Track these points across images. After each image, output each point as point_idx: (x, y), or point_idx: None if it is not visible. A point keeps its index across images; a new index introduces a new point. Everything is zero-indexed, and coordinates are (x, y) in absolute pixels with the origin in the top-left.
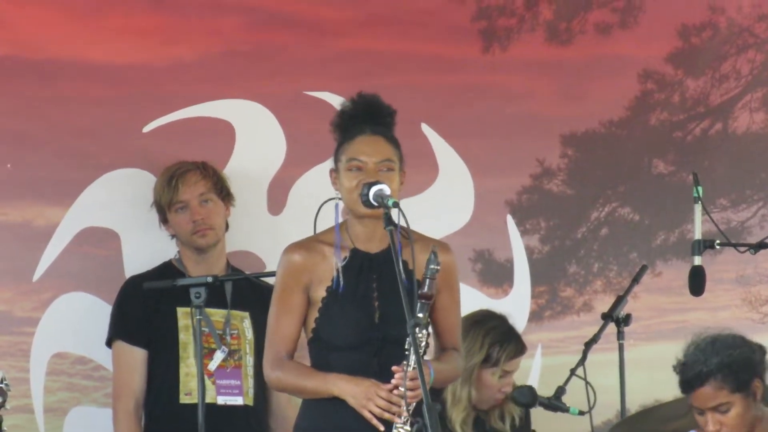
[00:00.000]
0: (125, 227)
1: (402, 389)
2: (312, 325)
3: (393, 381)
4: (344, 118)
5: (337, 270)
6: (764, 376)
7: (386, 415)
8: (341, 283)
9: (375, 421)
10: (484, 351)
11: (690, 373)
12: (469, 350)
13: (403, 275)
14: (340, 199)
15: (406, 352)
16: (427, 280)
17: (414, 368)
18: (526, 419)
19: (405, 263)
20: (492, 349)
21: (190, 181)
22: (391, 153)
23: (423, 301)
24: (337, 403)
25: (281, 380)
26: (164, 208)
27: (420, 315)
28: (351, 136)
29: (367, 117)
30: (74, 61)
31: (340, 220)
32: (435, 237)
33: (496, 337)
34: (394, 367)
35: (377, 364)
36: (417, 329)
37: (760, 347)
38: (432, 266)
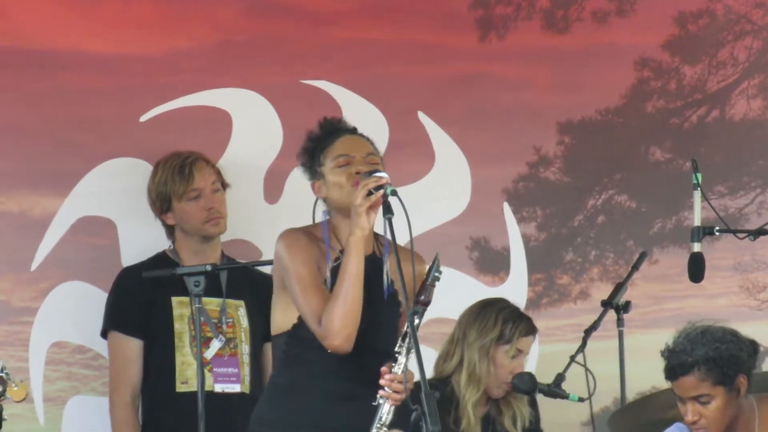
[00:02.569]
0: (122, 216)
1: (387, 390)
2: (294, 320)
3: (381, 382)
4: (314, 140)
5: (329, 272)
6: (751, 373)
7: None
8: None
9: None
10: (498, 328)
11: (675, 361)
12: (482, 329)
13: (386, 283)
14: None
15: (396, 354)
16: (427, 287)
17: (402, 372)
18: (536, 422)
19: (387, 273)
20: (505, 326)
21: (203, 170)
22: (374, 150)
23: (422, 307)
24: (306, 396)
25: (331, 315)
26: (171, 198)
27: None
28: (330, 140)
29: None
30: (71, 51)
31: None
32: (432, 225)
33: (509, 314)
34: (382, 368)
35: (357, 368)
36: (414, 322)
37: (752, 344)
38: (435, 273)
